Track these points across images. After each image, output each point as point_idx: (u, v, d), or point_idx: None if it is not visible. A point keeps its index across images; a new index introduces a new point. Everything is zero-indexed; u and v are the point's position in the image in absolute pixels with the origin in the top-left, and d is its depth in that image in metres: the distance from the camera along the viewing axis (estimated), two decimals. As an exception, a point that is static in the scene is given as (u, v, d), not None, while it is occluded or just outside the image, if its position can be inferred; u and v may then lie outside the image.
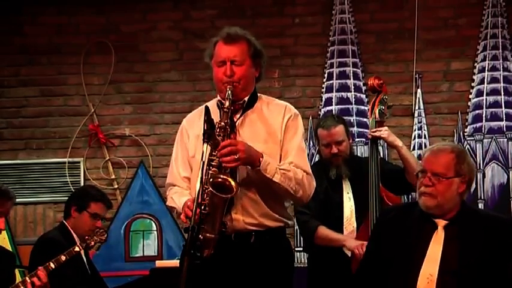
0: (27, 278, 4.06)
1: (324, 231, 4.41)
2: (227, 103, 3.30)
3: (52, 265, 4.13)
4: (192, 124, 3.54)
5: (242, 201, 3.34)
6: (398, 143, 4.53)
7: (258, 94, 3.55)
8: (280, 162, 3.40)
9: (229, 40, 3.43)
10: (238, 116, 3.44)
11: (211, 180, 3.17)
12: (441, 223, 3.40)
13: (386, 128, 4.54)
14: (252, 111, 3.47)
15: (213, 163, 3.21)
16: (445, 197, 3.38)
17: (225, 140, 3.25)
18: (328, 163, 4.55)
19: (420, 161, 3.50)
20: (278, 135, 3.44)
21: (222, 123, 3.27)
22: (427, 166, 3.41)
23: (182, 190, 3.49)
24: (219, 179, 3.18)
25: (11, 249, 5.58)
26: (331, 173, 4.52)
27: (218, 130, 3.25)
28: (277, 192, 3.38)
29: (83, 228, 4.59)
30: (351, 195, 4.52)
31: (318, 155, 5.01)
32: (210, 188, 3.15)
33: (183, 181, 3.52)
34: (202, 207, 3.12)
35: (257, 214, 3.37)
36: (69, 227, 4.64)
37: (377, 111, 4.57)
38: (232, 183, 3.18)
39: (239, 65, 3.40)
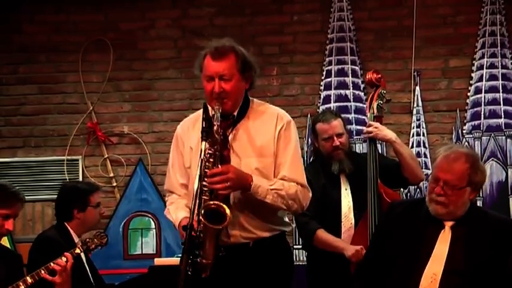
0: (27, 278, 4.06)
1: (322, 235, 4.36)
2: (216, 125, 3.20)
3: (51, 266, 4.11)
4: (187, 133, 3.49)
5: (238, 219, 3.33)
6: (391, 137, 4.47)
7: (250, 98, 3.49)
8: (274, 173, 3.38)
9: (217, 55, 3.35)
10: (229, 130, 3.38)
11: (203, 211, 3.10)
12: (448, 223, 3.39)
13: (377, 124, 4.49)
14: (242, 123, 3.41)
15: (205, 189, 3.15)
16: (456, 206, 3.37)
17: (216, 167, 3.19)
18: (329, 158, 4.48)
19: (433, 165, 3.45)
20: (271, 147, 3.39)
21: (212, 150, 3.18)
22: (441, 175, 3.36)
23: (179, 200, 3.48)
24: (213, 205, 3.13)
25: (10, 247, 5.56)
26: (334, 167, 4.46)
27: (208, 156, 3.16)
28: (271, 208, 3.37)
29: (91, 222, 4.61)
30: (349, 191, 4.48)
31: (313, 156, 4.96)
32: (203, 220, 3.09)
33: (181, 188, 3.50)
34: (195, 234, 3.05)
35: (254, 229, 3.38)
36: (70, 228, 4.62)
37: (375, 106, 4.55)
38: (227, 210, 3.12)
39: (228, 80, 3.33)
